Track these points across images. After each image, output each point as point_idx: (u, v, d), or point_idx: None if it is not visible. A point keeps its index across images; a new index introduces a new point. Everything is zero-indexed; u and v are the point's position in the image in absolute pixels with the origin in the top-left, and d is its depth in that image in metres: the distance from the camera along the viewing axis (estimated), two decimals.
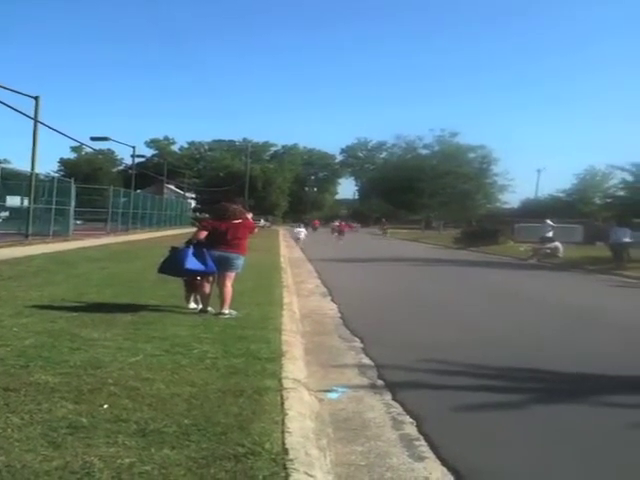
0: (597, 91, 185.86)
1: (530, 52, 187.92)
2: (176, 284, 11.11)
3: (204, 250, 9.77)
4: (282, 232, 61.00)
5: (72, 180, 36.55)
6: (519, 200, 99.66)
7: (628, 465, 4.90)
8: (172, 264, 9.97)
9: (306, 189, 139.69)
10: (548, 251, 31.73)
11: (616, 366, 8.20)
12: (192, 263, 9.68)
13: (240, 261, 10.18)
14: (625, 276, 23.15)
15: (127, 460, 3.94)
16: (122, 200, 46.33)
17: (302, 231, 43.27)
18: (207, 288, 10.09)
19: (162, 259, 10.27)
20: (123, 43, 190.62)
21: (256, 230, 10.94)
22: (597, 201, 78.91)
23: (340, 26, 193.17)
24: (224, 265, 9.94)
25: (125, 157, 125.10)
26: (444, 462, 4.76)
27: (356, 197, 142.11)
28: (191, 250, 9.76)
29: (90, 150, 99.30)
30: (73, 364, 6.23)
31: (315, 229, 59.51)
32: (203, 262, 9.71)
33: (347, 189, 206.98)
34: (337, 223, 58.26)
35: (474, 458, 4.87)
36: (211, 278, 10.07)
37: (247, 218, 10.62)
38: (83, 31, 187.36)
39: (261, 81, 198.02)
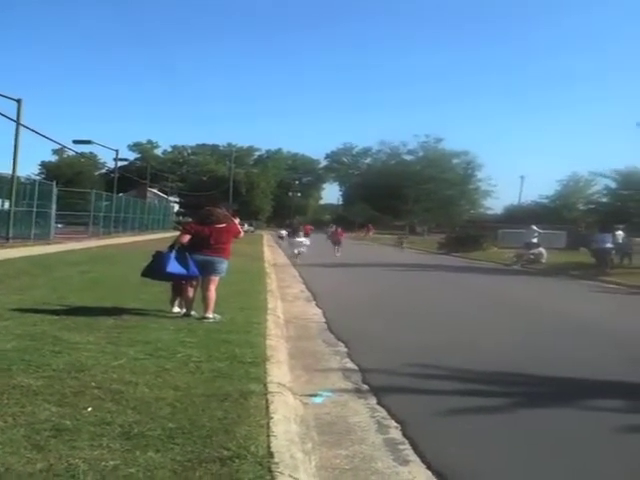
0: (579, 99, 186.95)
1: (514, 60, 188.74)
2: (159, 288, 11.10)
3: (187, 254, 9.76)
4: (267, 237, 60.97)
5: (54, 183, 36.38)
6: (503, 206, 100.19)
7: (611, 468, 4.92)
8: (154, 268, 9.96)
9: (290, 194, 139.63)
10: (532, 257, 31.87)
11: (598, 371, 8.25)
12: (174, 267, 9.66)
13: (224, 265, 10.16)
14: (608, 282, 23.29)
15: (111, 463, 3.93)
16: (104, 204, 46.17)
17: (303, 241, 29.93)
18: (191, 292, 10.07)
19: (145, 263, 10.26)
20: (106, 47, 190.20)
21: (242, 235, 10.89)
22: (580, 207, 79.59)
23: (324, 31, 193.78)
24: (207, 269, 9.92)
25: (108, 160, 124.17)
26: (429, 466, 4.76)
27: (340, 202, 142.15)
28: (173, 254, 9.74)
29: (72, 153, 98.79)
30: (56, 367, 6.20)
31: (307, 236, 44.38)
32: (185, 266, 9.69)
33: (331, 194, 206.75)
34: (333, 228, 43.45)
35: (459, 462, 4.87)
36: (195, 282, 10.05)
37: (233, 222, 10.63)
38: (66, 36, 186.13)
39: (246, 86, 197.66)
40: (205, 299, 9.85)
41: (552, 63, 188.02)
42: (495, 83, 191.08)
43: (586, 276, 25.18)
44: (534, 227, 33.64)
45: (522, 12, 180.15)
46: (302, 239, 29.92)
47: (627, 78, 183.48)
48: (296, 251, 28.86)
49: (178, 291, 10.22)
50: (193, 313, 9.91)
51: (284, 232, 49.56)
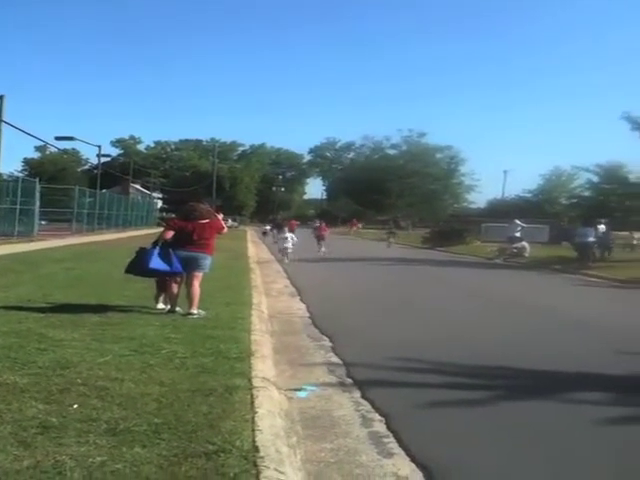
0: (563, 92, 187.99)
1: (497, 54, 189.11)
2: (143, 284, 11.11)
3: (170, 250, 9.77)
4: (250, 232, 60.87)
5: (37, 180, 36.20)
6: (486, 200, 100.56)
7: (593, 461, 4.99)
8: (138, 264, 9.98)
9: (274, 189, 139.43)
10: (515, 250, 32.00)
11: (580, 364, 8.32)
12: (157, 263, 9.68)
13: (207, 261, 10.18)
14: (590, 275, 23.46)
15: (98, 459, 3.95)
16: (87, 200, 45.96)
17: (290, 237, 26.80)
18: (175, 288, 10.08)
19: (129, 259, 10.27)
20: (88, 43, 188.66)
21: (225, 230, 10.90)
22: (563, 201, 79.83)
23: (307, 26, 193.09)
24: (191, 265, 9.93)
25: (91, 157, 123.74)
26: (413, 458, 4.81)
27: (324, 197, 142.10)
28: (157, 250, 9.76)
29: (55, 150, 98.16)
30: (42, 364, 6.21)
31: (292, 232, 37.12)
32: (168, 262, 9.71)
33: (315, 189, 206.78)
34: (317, 224, 39.60)
35: (442, 454, 4.93)
36: (179, 278, 10.07)
37: (216, 218, 10.66)
38: (48, 31, 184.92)
39: (229, 80, 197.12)
40: (189, 295, 9.87)
41: (535, 57, 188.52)
42: (478, 78, 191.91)
43: (568, 270, 25.35)
44: (517, 221, 33.75)
45: (505, 6, 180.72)
46: (289, 235, 27.03)
47: (610, 72, 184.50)
48: (284, 248, 26.01)
49: (163, 287, 10.24)
50: (178, 309, 9.93)
51: (268, 227, 49.43)
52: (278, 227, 40.95)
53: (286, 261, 24.81)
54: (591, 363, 8.40)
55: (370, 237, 62.52)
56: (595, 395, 6.86)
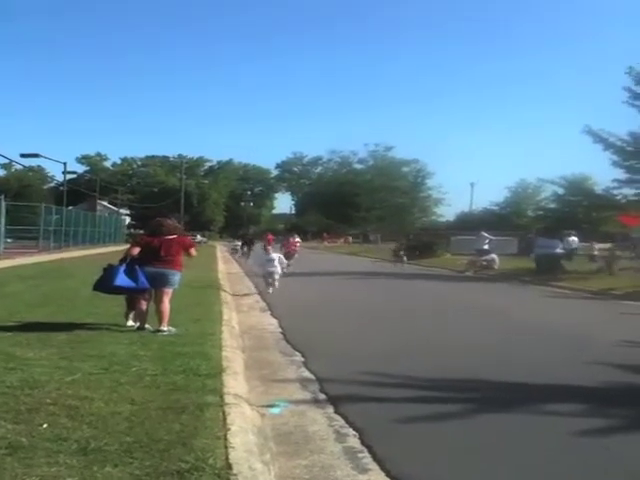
0: (528, 105, 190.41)
1: (461, 65, 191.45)
2: (112, 302, 11.00)
3: (136, 267, 9.69)
4: (220, 247, 60.57)
5: (2, 197, 35.75)
6: (454, 214, 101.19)
7: (569, 473, 5.00)
8: (104, 281, 9.90)
9: (242, 204, 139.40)
10: (484, 263, 32.11)
11: (549, 375, 8.37)
12: (122, 280, 9.61)
13: (176, 277, 10.11)
14: (559, 287, 23.61)
15: (69, 479, 3.88)
16: (54, 217, 45.41)
17: (276, 258, 19.33)
18: (144, 305, 9.99)
19: (96, 277, 10.18)
20: (53, 57, 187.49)
21: (194, 252, 10.53)
22: (530, 213, 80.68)
23: (274, 39, 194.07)
24: (160, 281, 9.86)
25: (56, 174, 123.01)
26: (388, 473, 4.80)
27: (292, 211, 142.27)
28: (123, 267, 9.69)
29: (20, 167, 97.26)
30: (10, 384, 6.11)
31: (269, 249, 22.37)
32: (134, 279, 9.63)
33: (283, 204, 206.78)
34: (293, 238, 34.28)
35: (417, 469, 4.92)
36: (148, 295, 9.98)
37: (183, 233, 10.59)
38: (12, 44, 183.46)
39: (195, 96, 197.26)
40: (159, 312, 9.79)
41: (501, 69, 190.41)
42: (443, 90, 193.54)
43: (537, 281, 25.48)
44: (484, 233, 33.87)
45: (465, 14, 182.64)
46: (275, 255, 19.79)
47: (575, 85, 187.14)
48: (271, 273, 18.80)
49: (132, 304, 10.14)
50: (147, 326, 9.84)
51: (238, 244, 45.18)
52: (249, 243, 39.92)
53: (270, 290, 18.41)
54: (563, 374, 8.43)
55: (344, 251, 62.62)
56: (569, 407, 6.86)
